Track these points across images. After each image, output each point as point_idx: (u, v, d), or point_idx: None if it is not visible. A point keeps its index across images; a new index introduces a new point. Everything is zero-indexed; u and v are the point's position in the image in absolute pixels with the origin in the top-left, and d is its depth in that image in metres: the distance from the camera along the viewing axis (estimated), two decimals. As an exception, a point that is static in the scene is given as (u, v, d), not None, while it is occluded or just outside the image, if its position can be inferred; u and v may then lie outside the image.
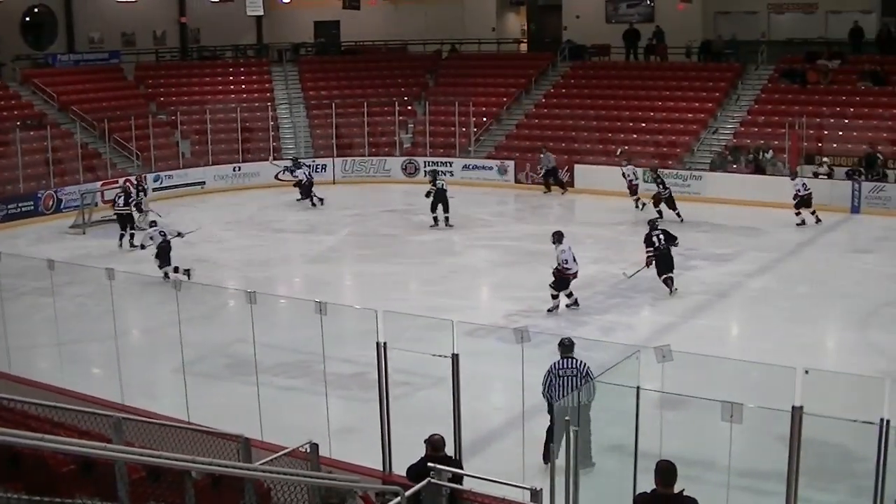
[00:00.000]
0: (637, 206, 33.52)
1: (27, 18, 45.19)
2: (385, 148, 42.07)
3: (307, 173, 36.38)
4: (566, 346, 14.12)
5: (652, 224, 24.52)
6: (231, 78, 47.00)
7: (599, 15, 46.05)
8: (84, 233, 32.59)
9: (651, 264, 23.69)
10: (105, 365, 18.71)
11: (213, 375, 18.29)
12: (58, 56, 44.59)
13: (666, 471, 9.25)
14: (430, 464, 9.73)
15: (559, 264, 22.39)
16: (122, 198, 30.93)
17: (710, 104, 39.65)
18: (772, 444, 10.69)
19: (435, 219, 31.75)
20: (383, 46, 49.40)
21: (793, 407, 9.28)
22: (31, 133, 38.09)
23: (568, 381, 13.77)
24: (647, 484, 9.34)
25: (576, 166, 37.70)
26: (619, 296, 23.73)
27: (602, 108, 40.83)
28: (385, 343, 12.24)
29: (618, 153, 36.33)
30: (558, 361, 14.06)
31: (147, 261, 26.48)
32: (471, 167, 39.76)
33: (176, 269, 25.11)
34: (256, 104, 43.64)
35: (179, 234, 26.79)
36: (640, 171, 34.25)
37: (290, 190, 36.66)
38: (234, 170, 40.68)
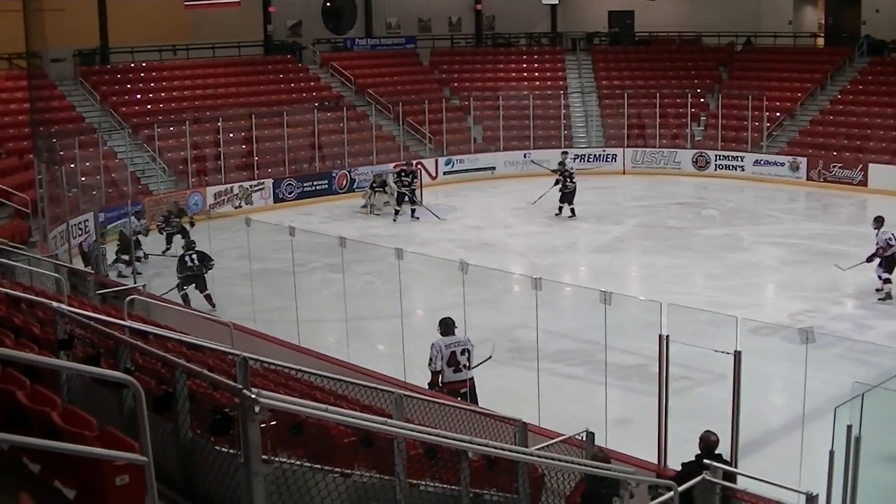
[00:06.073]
0: None
1: (328, 4, 46.71)
2: (676, 140, 41.55)
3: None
4: None
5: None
6: (524, 65, 47.36)
7: (900, 9, 44.16)
8: (378, 214, 33.42)
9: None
10: (389, 342, 19.14)
11: (494, 359, 18.46)
12: (356, 40, 46.01)
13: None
14: (706, 461, 9.56)
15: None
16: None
17: None
18: None
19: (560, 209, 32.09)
20: (677, 38, 48.71)
21: None
22: (329, 114, 39.54)
23: None
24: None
25: (870, 165, 36.22)
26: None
27: (900, 107, 39.10)
28: (668, 336, 12.10)
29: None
30: None
31: (434, 243, 26.92)
32: (762, 163, 38.82)
33: None
34: (549, 92, 43.79)
35: None
36: None
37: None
38: (524, 156, 40.92)
